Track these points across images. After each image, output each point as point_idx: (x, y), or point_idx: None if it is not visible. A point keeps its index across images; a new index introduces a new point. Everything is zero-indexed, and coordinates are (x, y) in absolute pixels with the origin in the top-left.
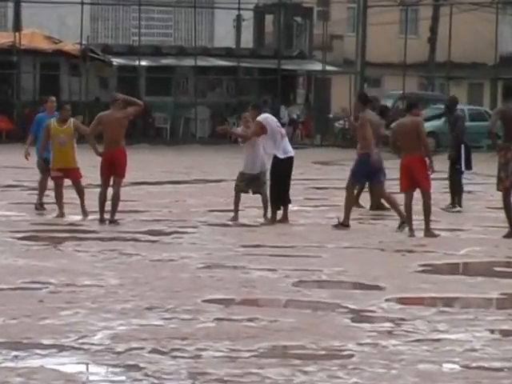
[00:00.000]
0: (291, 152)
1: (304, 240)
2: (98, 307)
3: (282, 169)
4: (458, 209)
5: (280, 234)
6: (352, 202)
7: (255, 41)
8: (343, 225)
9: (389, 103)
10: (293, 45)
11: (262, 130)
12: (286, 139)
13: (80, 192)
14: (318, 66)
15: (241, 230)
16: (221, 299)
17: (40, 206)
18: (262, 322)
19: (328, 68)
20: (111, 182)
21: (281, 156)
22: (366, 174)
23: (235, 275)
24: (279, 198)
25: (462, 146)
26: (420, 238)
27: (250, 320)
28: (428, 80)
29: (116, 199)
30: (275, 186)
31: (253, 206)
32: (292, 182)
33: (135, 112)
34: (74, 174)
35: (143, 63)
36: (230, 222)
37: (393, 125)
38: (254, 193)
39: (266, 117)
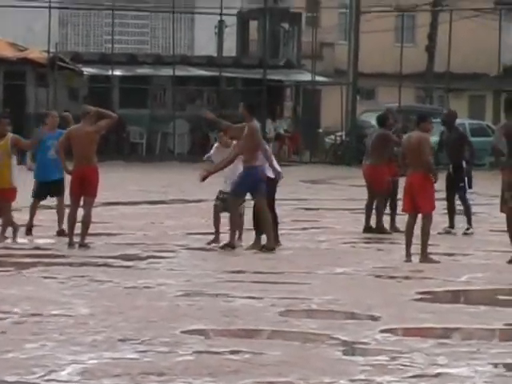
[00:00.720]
0: (278, 171)
1: (292, 265)
2: (66, 339)
3: (268, 188)
4: (470, 231)
5: (265, 258)
6: (237, 219)
7: (238, 49)
8: (229, 245)
9: None
10: (279, 53)
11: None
12: (272, 157)
13: (4, 215)
14: (306, 77)
15: (223, 255)
16: (201, 330)
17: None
18: (246, 355)
19: (318, 78)
20: (82, 202)
21: (271, 175)
22: (249, 189)
23: (216, 304)
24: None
25: (464, 163)
26: (417, 263)
27: (233, 353)
28: (426, 92)
29: (87, 221)
30: (264, 208)
31: None
32: (279, 203)
33: (108, 126)
34: (6, 194)
35: (117, 73)
36: (212, 246)
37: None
38: None
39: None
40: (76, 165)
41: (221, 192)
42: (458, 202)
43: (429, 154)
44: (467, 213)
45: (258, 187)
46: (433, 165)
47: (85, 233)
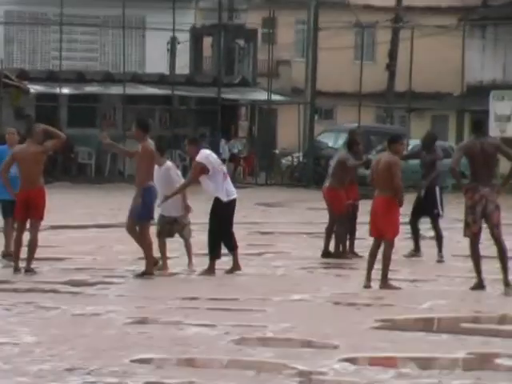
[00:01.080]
0: (234, 194)
1: (247, 292)
2: (10, 369)
3: (225, 212)
4: (443, 258)
5: (219, 284)
6: (148, 243)
7: (192, 66)
8: (147, 273)
9: (342, 138)
10: (234, 71)
11: (202, 171)
12: (229, 179)
13: None
14: (262, 95)
15: (175, 281)
16: (152, 359)
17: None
18: None
19: (274, 97)
20: (27, 226)
21: (224, 199)
22: (150, 210)
23: (168, 332)
24: (218, 245)
25: (437, 188)
26: (377, 289)
27: None
28: (386, 112)
29: (33, 245)
30: (216, 232)
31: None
32: (233, 226)
33: (55, 146)
34: None
35: (65, 91)
36: (161, 273)
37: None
38: (181, 236)
39: (206, 155)
40: (21, 187)
41: (162, 216)
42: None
43: (399, 178)
44: (439, 240)
45: (151, 208)
46: (402, 189)
47: (31, 257)
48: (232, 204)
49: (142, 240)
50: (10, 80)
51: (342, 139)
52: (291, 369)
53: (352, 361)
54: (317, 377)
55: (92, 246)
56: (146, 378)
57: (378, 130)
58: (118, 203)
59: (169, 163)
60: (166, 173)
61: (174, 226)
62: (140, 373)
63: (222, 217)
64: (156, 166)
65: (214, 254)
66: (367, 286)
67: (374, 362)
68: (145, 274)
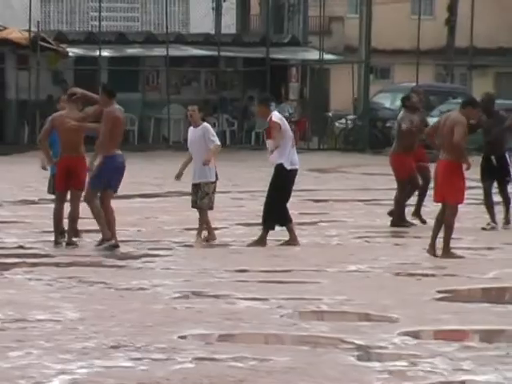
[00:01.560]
0: (297, 164)
1: (300, 263)
2: (53, 346)
3: (285, 181)
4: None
5: (271, 256)
6: (99, 213)
7: (239, 25)
8: (113, 245)
9: (399, 99)
10: (284, 29)
11: (280, 132)
12: (295, 148)
13: None
14: (314, 55)
15: (224, 252)
16: (201, 335)
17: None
18: (251, 361)
19: (326, 57)
20: (68, 196)
21: (288, 166)
22: (105, 180)
23: (218, 306)
24: (277, 215)
25: (507, 153)
26: (438, 259)
27: (236, 360)
28: (446, 69)
29: (74, 216)
30: (274, 201)
31: (239, 223)
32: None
33: (95, 113)
34: None
35: (105, 53)
36: (211, 242)
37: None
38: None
39: (280, 117)
40: (61, 155)
41: (192, 185)
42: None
43: (462, 138)
44: (507, 205)
45: (114, 178)
46: (465, 150)
47: (72, 230)
48: (293, 174)
49: (103, 210)
50: (47, 43)
51: (398, 100)
52: (348, 343)
53: (413, 334)
54: (375, 351)
55: (136, 217)
56: (195, 354)
57: (437, 90)
58: (163, 171)
59: (205, 124)
60: (202, 133)
61: (197, 194)
62: (189, 349)
63: (281, 186)
64: (191, 128)
65: (268, 224)
66: (432, 253)
67: (437, 334)
68: (103, 241)
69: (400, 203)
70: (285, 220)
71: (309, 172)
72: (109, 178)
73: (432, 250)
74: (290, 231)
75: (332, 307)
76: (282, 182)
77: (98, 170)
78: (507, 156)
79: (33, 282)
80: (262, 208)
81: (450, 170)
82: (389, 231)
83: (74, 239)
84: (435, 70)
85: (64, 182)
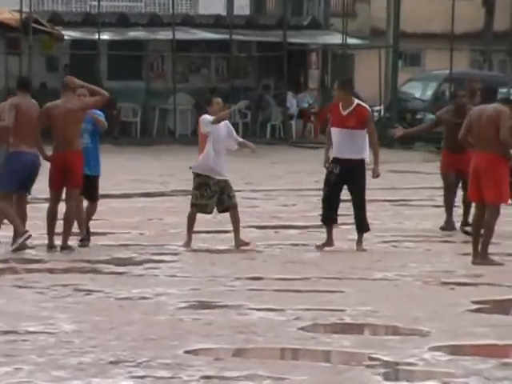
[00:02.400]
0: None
1: (319, 270)
2: (46, 362)
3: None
4: None
5: (287, 262)
6: (11, 214)
7: (253, 6)
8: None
9: (431, 88)
10: (303, 11)
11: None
12: None
13: None
14: (336, 39)
15: (235, 258)
16: (209, 350)
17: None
18: (265, 380)
19: (350, 41)
20: (64, 195)
21: (368, 160)
22: (19, 179)
23: (228, 317)
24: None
25: None
26: (474, 266)
27: (249, 378)
28: (484, 55)
29: (70, 218)
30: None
31: (252, 225)
32: (305, 193)
33: (96, 104)
34: None
35: (104, 37)
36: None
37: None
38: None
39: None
40: (57, 149)
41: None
42: None
43: (508, 130)
44: None
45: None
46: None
47: (68, 232)
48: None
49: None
50: (40, 25)
51: (430, 89)
52: (373, 360)
53: (445, 349)
54: (404, 368)
55: (138, 219)
56: (202, 372)
57: (473, 78)
58: (168, 168)
59: (205, 115)
60: (228, 125)
61: (224, 192)
62: (196, 365)
63: (364, 183)
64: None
65: (367, 225)
66: (475, 261)
67: (472, 350)
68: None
69: (447, 203)
70: (366, 225)
71: None
72: (14, 179)
73: (477, 258)
74: (329, 233)
75: (356, 319)
76: (364, 179)
77: (4, 169)
78: None
79: (23, 290)
80: (277, 209)
81: (491, 164)
82: (418, 235)
83: (86, 242)
84: (471, 56)
85: (60, 180)
